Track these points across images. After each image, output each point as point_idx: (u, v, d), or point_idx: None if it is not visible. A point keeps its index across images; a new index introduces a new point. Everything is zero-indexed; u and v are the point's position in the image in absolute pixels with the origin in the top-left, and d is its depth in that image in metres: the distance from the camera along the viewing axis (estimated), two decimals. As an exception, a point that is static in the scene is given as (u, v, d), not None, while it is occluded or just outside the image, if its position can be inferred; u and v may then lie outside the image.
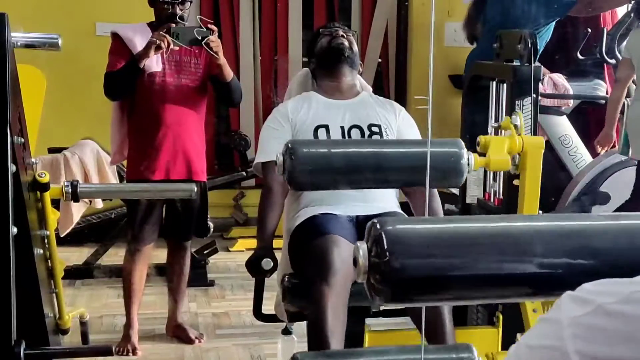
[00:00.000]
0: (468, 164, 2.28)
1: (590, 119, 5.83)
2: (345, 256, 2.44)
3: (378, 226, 1.19)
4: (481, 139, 2.38)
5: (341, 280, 2.39)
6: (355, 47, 3.01)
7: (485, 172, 2.97)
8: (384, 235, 1.16)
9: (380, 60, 6.29)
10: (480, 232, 1.23)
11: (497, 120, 2.76)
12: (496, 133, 2.52)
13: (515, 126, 2.38)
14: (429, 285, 1.18)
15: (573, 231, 1.21)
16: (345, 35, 2.98)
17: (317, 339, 2.39)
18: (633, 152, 4.35)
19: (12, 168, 1.77)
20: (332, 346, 2.37)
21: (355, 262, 1.20)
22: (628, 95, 4.74)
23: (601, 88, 5.51)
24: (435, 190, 2.87)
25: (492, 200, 2.86)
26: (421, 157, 2.18)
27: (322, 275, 2.39)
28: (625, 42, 4.73)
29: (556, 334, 0.55)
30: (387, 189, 2.82)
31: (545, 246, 1.16)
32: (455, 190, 3.55)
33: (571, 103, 5.34)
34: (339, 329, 2.37)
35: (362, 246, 1.19)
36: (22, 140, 1.91)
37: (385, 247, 1.15)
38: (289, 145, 2.25)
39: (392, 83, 6.32)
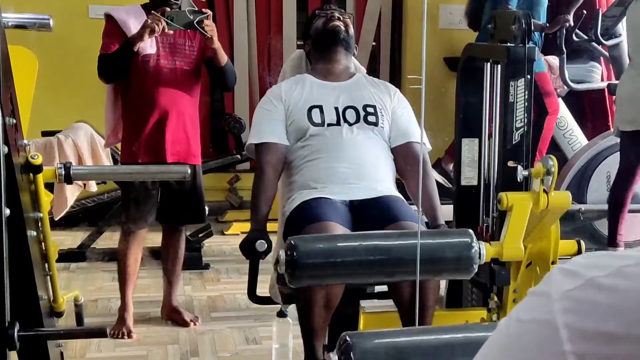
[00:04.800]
0: (479, 255, 2.21)
1: (585, 102, 5.83)
2: None
3: (347, 339, 1.39)
4: (503, 197, 2.33)
5: None
6: (351, 30, 2.99)
7: (479, 155, 2.97)
8: (352, 350, 1.37)
9: (374, 42, 6.27)
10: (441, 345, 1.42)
11: (491, 102, 2.75)
12: (525, 180, 2.42)
13: (543, 181, 2.31)
14: None
15: None
16: (341, 18, 2.96)
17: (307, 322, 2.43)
18: (619, 123, 4.33)
19: (3, 149, 1.76)
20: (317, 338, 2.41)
21: None
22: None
23: (596, 70, 5.50)
24: (431, 172, 2.86)
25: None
26: (426, 249, 2.05)
27: None
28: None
29: (546, 308, 0.54)
30: (384, 170, 2.81)
31: None
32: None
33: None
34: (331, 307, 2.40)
35: (334, 358, 1.43)
36: (14, 121, 1.90)
37: None
38: (292, 242, 2.16)
39: (387, 65, 6.31)
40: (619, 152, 4.57)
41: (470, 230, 2.29)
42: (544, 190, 2.34)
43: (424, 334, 1.67)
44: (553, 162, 2.31)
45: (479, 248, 2.23)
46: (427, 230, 2.57)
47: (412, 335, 1.62)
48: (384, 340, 1.52)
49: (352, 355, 1.39)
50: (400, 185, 2.87)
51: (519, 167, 2.39)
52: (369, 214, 2.63)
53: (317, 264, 2.17)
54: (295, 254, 2.12)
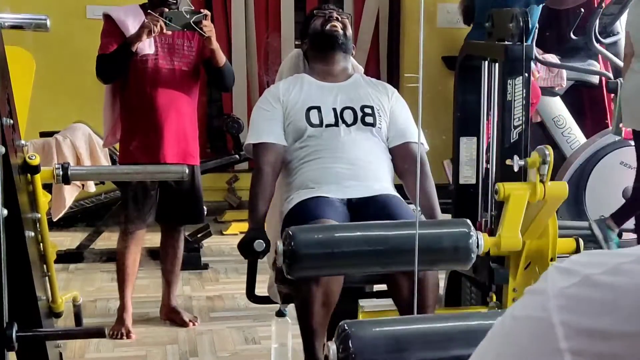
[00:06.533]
0: (477, 245, 2.23)
1: (584, 100, 5.83)
2: None
3: (346, 327, 1.41)
4: (500, 187, 2.35)
5: None
6: (349, 31, 2.99)
7: (477, 153, 2.97)
8: (350, 338, 1.39)
9: (372, 41, 6.27)
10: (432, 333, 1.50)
11: (489, 101, 2.75)
12: (522, 172, 2.45)
13: (542, 174, 2.33)
14: None
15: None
16: (339, 18, 2.96)
17: (305, 321, 2.42)
18: (625, 121, 4.30)
19: (1, 150, 1.75)
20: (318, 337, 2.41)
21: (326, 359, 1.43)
22: (619, 76, 4.72)
23: (595, 68, 5.50)
24: (429, 173, 2.86)
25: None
26: (424, 238, 2.08)
27: None
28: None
29: (542, 305, 0.54)
30: (382, 170, 2.81)
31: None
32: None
33: (564, 84, 5.34)
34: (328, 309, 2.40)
35: (332, 347, 1.41)
36: (11, 121, 1.90)
37: (352, 349, 1.38)
38: (289, 232, 2.21)
39: (385, 64, 6.30)
40: (618, 150, 4.58)
41: (468, 220, 2.29)
42: (541, 180, 2.36)
43: (422, 322, 1.68)
44: (549, 152, 2.32)
45: (477, 238, 2.23)
46: (425, 221, 2.57)
47: (410, 324, 1.62)
48: (382, 328, 1.53)
49: (350, 344, 1.40)
50: (400, 187, 2.87)
51: (515, 157, 2.41)
52: (366, 212, 2.63)
53: (315, 254, 2.18)
54: (293, 244, 2.13)
